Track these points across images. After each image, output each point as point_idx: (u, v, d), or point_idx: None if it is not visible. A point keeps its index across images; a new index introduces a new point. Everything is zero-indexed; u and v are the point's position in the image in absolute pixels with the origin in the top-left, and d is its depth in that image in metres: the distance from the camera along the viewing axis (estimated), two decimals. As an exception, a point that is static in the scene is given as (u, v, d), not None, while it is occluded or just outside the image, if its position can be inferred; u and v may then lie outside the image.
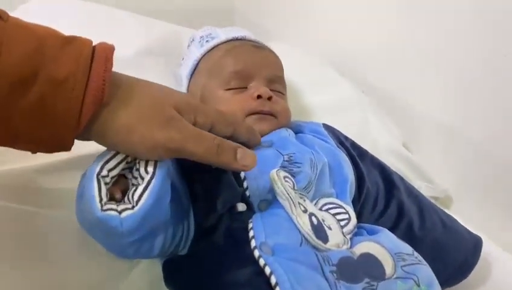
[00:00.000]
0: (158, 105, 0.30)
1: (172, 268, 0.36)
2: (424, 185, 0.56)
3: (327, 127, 0.49)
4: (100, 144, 0.30)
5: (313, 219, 0.36)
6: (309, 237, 0.34)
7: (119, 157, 0.30)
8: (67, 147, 0.28)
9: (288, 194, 0.34)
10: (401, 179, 0.49)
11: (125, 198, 0.29)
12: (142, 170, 0.30)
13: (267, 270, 0.30)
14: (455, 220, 0.47)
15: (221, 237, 0.35)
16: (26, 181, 0.40)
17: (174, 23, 0.68)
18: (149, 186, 0.28)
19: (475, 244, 0.45)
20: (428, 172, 0.59)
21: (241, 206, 0.36)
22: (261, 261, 0.31)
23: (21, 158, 0.42)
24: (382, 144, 0.57)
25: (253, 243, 0.32)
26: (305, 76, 0.64)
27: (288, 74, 0.52)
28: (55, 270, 0.38)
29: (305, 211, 0.36)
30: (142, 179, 0.29)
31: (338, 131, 0.50)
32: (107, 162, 0.29)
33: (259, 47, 0.50)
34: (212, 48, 0.49)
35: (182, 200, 0.38)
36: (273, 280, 0.29)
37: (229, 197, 0.36)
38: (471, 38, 0.55)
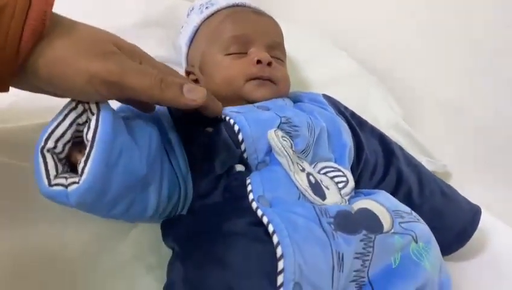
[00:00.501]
0: (98, 40, 0.29)
1: (170, 224, 0.36)
2: (424, 159, 0.56)
3: (327, 97, 0.49)
4: (35, 84, 0.28)
5: (311, 178, 0.36)
6: (307, 193, 0.34)
7: (67, 122, 0.29)
8: (5, 86, 0.26)
9: (286, 151, 0.34)
10: (401, 148, 0.48)
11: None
12: (84, 135, 0.29)
13: (265, 219, 0.30)
14: (454, 190, 0.47)
15: (220, 195, 0.35)
16: (26, 139, 0.40)
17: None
18: (89, 157, 0.27)
19: (474, 214, 0.45)
20: (428, 147, 0.59)
21: (240, 167, 0.36)
22: (259, 212, 0.30)
23: (22, 118, 0.42)
24: (382, 118, 0.57)
25: (251, 196, 0.32)
26: (305, 50, 0.64)
27: (289, 48, 0.52)
28: (52, 228, 0.38)
29: (302, 170, 0.36)
30: (85, 147, 0.28)
31: (338, 101, 0.50)
32: (52, 132, 0.28)
33: (259, 13, 0.49)
34: (212, 14, 0.49)
35: (179, 162, 0.38)
36: (270, 229, 0.29)
37: (227, 159, 0.36)
38: (471, 18, 0.55)
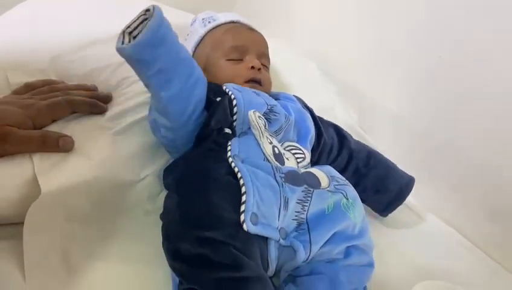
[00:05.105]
0: None
1: (169, 169, 0.49)
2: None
3: (297, 97, 0.63)
4: None
5: (275, 149, 0.49)
6: (269, 158, 0.47)
7: (138, 20, 0.40)
8: None
9: (258, 125, 0.48)
10: (351, 136, 0.62)
11: None
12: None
13: (236, 169, 0.43)
14: (394, 165, 0.61)
15: (209, 144, 0.48)
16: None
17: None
18: (144, 28, 0.39)
19: (409, 180, 0.59)
20: (376, 148, 0.71)
21: (227, 130, 0.49)
22: (233, 164, 0.43)
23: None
24: (341, 120, 0.71)
25: (229, 153, 0.45)
26: (282, 60, 0.77)
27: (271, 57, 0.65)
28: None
29: (270, 142, 0.49)
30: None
31: (305, 102, 0.63)
32: (129, 25, 0.40)
33: (252, 29, 0.64)
34: (215, 27, 0.63)
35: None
36: (239, 175, 0.42)
37: (222, 120, 0.49)
38: (420, 44, 0.69)
